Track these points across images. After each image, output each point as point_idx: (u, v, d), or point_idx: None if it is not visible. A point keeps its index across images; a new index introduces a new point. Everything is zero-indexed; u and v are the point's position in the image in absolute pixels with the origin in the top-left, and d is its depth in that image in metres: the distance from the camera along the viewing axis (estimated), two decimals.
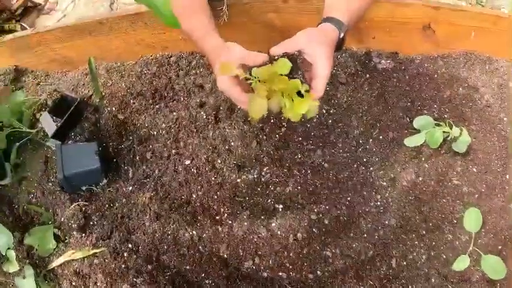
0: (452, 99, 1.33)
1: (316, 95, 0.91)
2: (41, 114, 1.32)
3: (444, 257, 1.11)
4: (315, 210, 1.16)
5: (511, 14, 1.38)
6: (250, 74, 0.87)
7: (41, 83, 1.44)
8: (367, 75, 1.38)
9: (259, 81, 0.86)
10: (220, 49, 0.98)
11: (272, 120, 1.29)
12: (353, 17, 1.03)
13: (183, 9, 1.05)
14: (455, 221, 1.15)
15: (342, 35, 0.99)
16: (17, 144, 1.28)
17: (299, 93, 0.87)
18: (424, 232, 1.14)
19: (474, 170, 1.22)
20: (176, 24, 0.39)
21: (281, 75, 0.85)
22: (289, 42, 0.93)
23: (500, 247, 1.12)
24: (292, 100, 0.86)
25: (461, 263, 1.08)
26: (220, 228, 1.14)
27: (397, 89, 1.35)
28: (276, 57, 0.88)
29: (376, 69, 1.40)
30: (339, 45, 1.03)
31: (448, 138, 1.23)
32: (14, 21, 1.98)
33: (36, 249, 1.13)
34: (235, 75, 0.89)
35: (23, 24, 1.97)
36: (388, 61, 1.40)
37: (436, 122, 1.25)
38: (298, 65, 0.90)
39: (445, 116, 1.29)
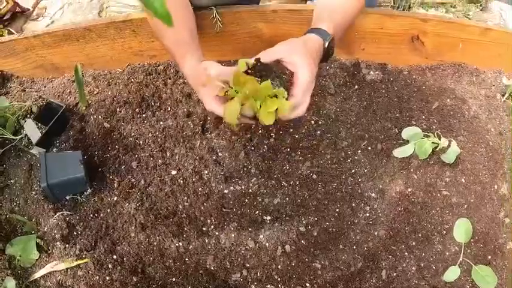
0: (441, 110, 1.34)
1: (295, 101, 0.92)
2: (25, 121, 1.30)
3: (434, 267, 1.11)
4: (304, 221, 1.15)
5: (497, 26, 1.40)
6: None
7: (27, 89, 1.41)
8: (356, 86, 1.38)
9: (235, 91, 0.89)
10: (198, 71, 1.00)
11: (260, 131, 1.27)
12: (337, 28, 1.06)
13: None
14: (444, 232, 1.15)
15: (326, 44, 1.02)
16: (0, 151, 1.26)
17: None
18: (413, 243, 1.13)
19: (463, 180, 1.22)
20: (169, 20, 0.38)
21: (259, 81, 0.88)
22: (268, 52, 0.95)
23: (489, 257, 1.12)
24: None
25: (452, 274, 1.08)
26: (207, 240, 1.12)
27: (385, 100, 1.36)
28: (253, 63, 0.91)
29: (364, 80, 1.40)
30: (326, 56, 1.05)
31: (437, 149, 1.23)
32: (2, 26, 1.95)
33: (19, 260, 1.10)
34: (219, 94, 0.92)
35: (11, 29, 1.94)
36: (377, 72, 1.41)
37: (424, 133, 1.25)
38: (277, 74, 0.91)
39: (434, 126, 1.30)
